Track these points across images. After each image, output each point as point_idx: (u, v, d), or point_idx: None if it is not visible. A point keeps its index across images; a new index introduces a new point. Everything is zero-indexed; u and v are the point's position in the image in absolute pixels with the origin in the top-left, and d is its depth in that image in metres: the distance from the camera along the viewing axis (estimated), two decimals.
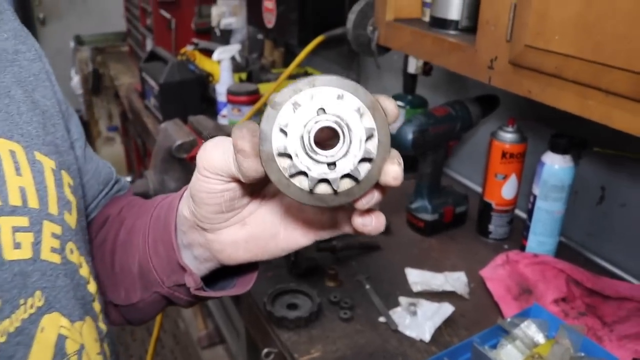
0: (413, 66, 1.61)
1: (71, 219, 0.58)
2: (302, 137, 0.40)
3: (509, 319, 1.01)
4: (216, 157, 0.48)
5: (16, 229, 0.50)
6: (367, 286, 1.22)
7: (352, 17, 1.32)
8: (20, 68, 0.59)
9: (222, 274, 0.63)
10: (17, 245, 0.50)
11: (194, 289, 0.59)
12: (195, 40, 2.62)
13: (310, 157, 0.40)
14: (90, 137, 4.35)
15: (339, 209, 0.51)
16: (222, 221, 0.53)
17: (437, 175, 1.40)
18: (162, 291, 0.63)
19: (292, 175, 0.41)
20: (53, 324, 0.52)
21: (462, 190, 1.51)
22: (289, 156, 0.41)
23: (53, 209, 0.54)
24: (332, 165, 0.41)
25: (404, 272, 1.27)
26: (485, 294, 1.21)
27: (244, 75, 2.26)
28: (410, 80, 1.66)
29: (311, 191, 0.41)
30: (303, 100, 0.40)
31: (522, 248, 1.32)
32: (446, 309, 1.14)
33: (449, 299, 1.18)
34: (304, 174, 0.41)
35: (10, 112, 0.54)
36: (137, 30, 3.13)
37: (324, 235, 0.53)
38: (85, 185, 0.73)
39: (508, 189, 1.35)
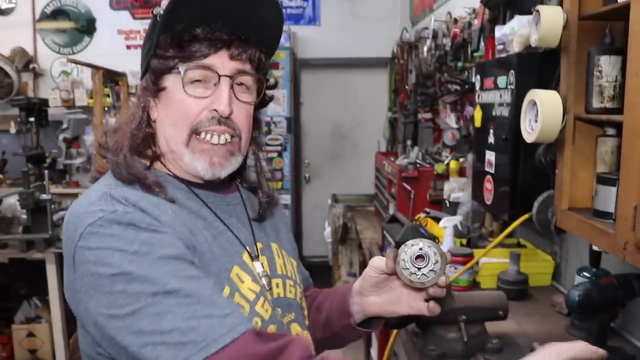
0: None
1: (300, 288, 1.21)
2: (411, 256, 1.07)
3: None
4: (377, 262, 1.14)
5: (291, 285, 1.16)
6: None
7: (536, 205, 1.76)
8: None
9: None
10: (290, 291, 1.16)
11: (354, 325, 1.22)
12: (427, 209, 3.19)
13: (413, 264, 1.07)
14: (332, 278, 5.06)
15: (421, 297, 1.14)
16: (372, 292, 1.18)
17: (603, 335, 1.68)
18: (335, 330, 1.24)
19: (403, 269, 1.07)
20: (296, 329, 1.14)
21: (631, 351, 1.74)
22: (405, 262, 1.07)
23: (298, 280, 1.22)
24: (419, 269, 1.07)
25: None
26: None
27: (464, 241, 2.74)
28: (594, 255, 1.97)
29: (410, 277, 1.07)
30: (414, 244, 1.08)
31: None
32: None
33: None
34: (408, 270, 1.07)
35: (282, 239, 1.24)
36: (382, 195, 3.82)
37: (412, 311, 1.15)
38: None
39: None
